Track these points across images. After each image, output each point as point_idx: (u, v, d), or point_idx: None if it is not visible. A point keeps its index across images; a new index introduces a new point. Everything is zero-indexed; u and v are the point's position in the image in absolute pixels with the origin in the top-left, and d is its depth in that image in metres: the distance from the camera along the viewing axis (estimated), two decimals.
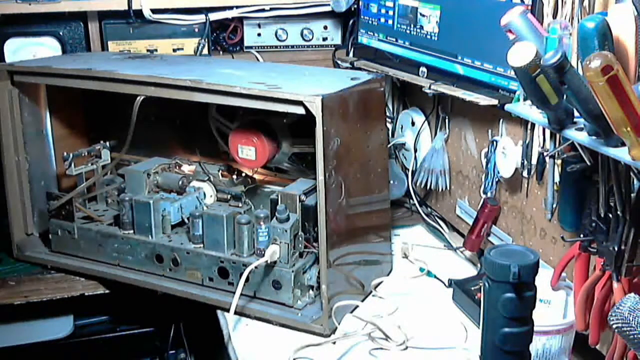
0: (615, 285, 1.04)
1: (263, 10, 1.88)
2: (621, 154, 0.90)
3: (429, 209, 1.86)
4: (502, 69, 1.37)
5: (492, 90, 1.40)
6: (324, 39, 1.97)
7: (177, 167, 1.62)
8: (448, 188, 1.72)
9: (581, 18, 1.08)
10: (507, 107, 1.18)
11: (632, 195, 1.01)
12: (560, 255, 1.22)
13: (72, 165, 1.59)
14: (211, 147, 1.60)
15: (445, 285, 1.51)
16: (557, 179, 1.27)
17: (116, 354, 1.78)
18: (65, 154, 1.59)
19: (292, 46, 1.96)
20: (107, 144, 1.68)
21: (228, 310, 1.33)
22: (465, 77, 1.48)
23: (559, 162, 1.24)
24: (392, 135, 1.94)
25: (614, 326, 0.86)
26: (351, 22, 1.92)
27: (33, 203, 1.65)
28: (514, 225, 1.47)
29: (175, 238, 1.48)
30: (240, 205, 1.45)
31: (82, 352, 1.76)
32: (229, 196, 1.50)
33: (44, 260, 1.61)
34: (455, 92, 1.49)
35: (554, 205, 1.30)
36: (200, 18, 1.84)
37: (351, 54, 1.93)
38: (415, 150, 1.82)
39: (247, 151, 1.42)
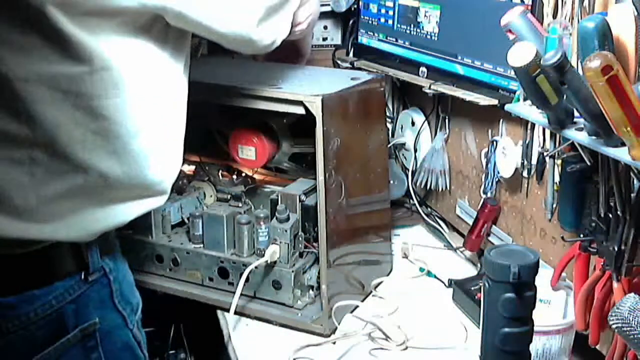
0: (615, 285, 1.04)
1: None
2: (621, 154, 0.90)
3: (429, 209, 1.86)
4: (502, 69, 1.37)
5: (492, 90, 1.40)
6: (324, 39, 1.96)
7: None
8: (448, 188, 1.72)
9: (581, 18, 1.08)
10: (507, 107, 1.18)
11: (632, 195, 1.01)
12: (560, 255, 1.22)
13: None
14: (211, 147, 1.60)
15: (445, 285, 1.51)
16: (557, 179, 1.27)
17: None
18: None
19: None
20: None
21: (228, 310, 1.33)
22: (465, 77, 1.48)
23: (559, 162, 1.24)
24: (392, 135, 1.94)
25: (614, 326, 0.87)
26: (351, 22, 1.92)
27: None
28: (514, 225, 1.47)
29: (175, 238, 1.48)
30: (240, 205, 1.45)
31: None
32: (229, 196, 1.50)
33: None
34: (455, 92, 1.49)
35: (554, 205, 1.30)
36: None
37: (351, 54, 1.93)
38: (415, 150, 1.82)
39: (247, 151, 1.42)
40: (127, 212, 1.04)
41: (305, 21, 1.28)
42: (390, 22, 1.74)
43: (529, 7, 1.24)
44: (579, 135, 0.99)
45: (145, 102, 1.00)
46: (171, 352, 1.73)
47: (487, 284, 0.97)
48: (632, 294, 0.87)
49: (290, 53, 1.49)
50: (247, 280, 1.34)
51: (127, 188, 1.02)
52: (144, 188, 1.04)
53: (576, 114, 1.00)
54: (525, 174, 1.39)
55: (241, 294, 1.33)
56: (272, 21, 1.13)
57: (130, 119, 0.98)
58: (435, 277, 1.56)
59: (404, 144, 1.88)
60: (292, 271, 1.35)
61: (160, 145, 1.04)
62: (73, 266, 1.02)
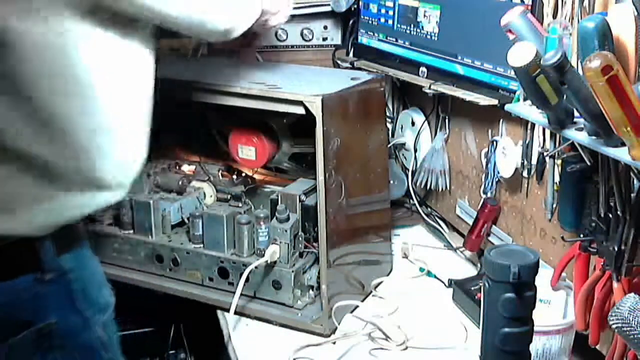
0: (615, 285, 1.04)
1: None
2: (621, 154, 0.90)
3: (429, 209, 1.86)
4: (502, 69, 1.37)
5: (492, 90, 1.40)
6: (324, 39, 1.96)
7: (177, 167, 1.62)
8: (448, 188, 1.72)
9: (581, 18, 1.08)
10: (507, 107, 1.18)
11: (632, 195, 1.01)
12: (560, 255, 1.22)
13: None
14: (211, 147, 1.60)
15: (445, 285, 1.51)
16: (557, 179, 1.27)
17: None
18: None
19: (292, 46, 1.96)
20: None
21: (228, 310, 1.33)
22: (465, 77, 1.48)
23: (559, 162, 1.24)
24: (392, 135, 1.94)
25: (614, 326, 0.87)
26: (351, 22, 1.92)
27: None
28: (514, 225, 1.47)
29: (175, 238, 1.48)
30: (240, 205, 1.45)
31: None
32: (229, 196, 1.50)
33: None
34: (455, 92, 1.49)
35: (554, 205, 1.30)
36: None
37: (351, 54, 1.93)
38: (415, 150, 1.82)
39: (247, 151, 1.42)
40: (79, 204, 0.99)
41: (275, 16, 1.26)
42: (390, 22, 1.74)
43: (529, 7, 1.24)
44: (579, 135, 0.99)
45: (81, 84, 0.93)
46: (171, 352, 1.73)
47: (487, 284, 0.97)
48: (632, 294, 0.87)
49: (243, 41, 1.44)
50: (247, 280, 1.34)
51: (72, 177, 0.96)
52: (92, 178, 0.98)
53: (576, 114, 1.00)
54: (525, 174, 1.39)
55: (241, 294, 1.33)
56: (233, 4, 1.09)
57: (63, 102, 0.92)
58: (435, 277, 1.56)
59: (404, 144, 1.88)
60: (292, 271, 1.35)
61: (106, 133, 0.98)
62: (26, 265, 0.99)
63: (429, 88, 1.56)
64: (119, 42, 0.97)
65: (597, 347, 1.12)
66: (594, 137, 0.95)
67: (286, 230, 1.33)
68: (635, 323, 0.84)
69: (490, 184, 1.52)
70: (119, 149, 1.01)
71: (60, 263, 1.02)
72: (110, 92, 0.97)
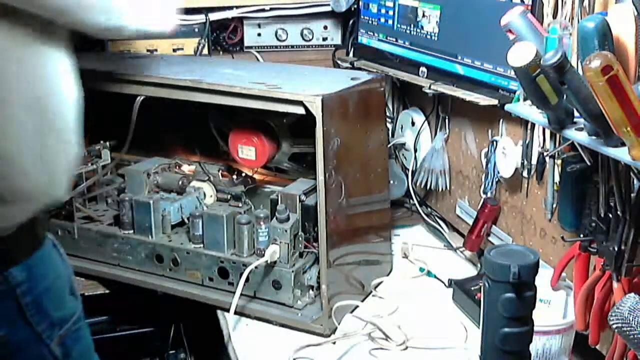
0: (615, 285, 1.04)
1: (263, 10, 1.88)
2: (621, 154, 0.90)
3: (429, 209, 1.86)
4: (502, 69, 1.37)
5: (492, 90, 1.40)
6: (324, 39, 1.97)
7: (177, 167, 1.62)
8: (448, 188, 1.72)
9: (581, 18, 1.08)
10: (507, 107, 1.18)
11: (632, 195, 1.01)
12: (560, 255, 1.22)
13: None
14: (211, 147, 1.60)
15: (445, 285, 1.51)
16: (557, 179, 1.27)
17: (116, 354, 1.78)
18: None
19: (292, 46, 1.96)
20: (107, 144, 1.67)
21: (228, 310, 1.33)
22: (465, 77, 1.48)
23: (559, 162, 1.24)
24: (392, 135, 1.94)
25: (614, 326, 0.87)
26: (351, 22, 1.92)
27: None
28: (514, 225, 1.47)
29: (175, 238, 1.48)
30: (240, 205, 1.45)
31: None
32: (229, 196, 1.50)
33: None
34: (455, 92, 1.49)
35: (554, 205, 1.30)
36: (200, 18, 1.84)
37: (351, 54, 1.93)
38: (415, 150, 1.82)
39: (247, 151, 1.42)
40: (8, 215, 0.95)
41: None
42: (390, 22, 1.74)
43: (529, 7, 1.24)
44: (579, 135, 0.99)
45: None
46: (171, 352, 1.73)
47: (487, 284, 0.97)
48: (632, 294, 0.87)
49: None
50: (247, 280, 1.34)
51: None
52: (14, 191, 0.94)
53: (576, 114, 1.00)
54: (525, 174, 1.39)
55: (241, 294, 1.33)
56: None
57: None
58: (435, 277, 1.56)
59: (404, 144, 1.88)
60: (292, 271, 1.35)
61: (30, 143, 0.93)
62: None
63: (429, 88, 1.56)
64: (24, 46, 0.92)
65: (597, 347, 1.12)
66: (594, 137, 0.96)
67: (286, 230, 1.33)
68: (635, 323, 0.84)
69: (490, 184, 1.52)
70: (44, 157, 0.96)
71: (10, 275, 0.98)
72: (27, 99, 0.92)
